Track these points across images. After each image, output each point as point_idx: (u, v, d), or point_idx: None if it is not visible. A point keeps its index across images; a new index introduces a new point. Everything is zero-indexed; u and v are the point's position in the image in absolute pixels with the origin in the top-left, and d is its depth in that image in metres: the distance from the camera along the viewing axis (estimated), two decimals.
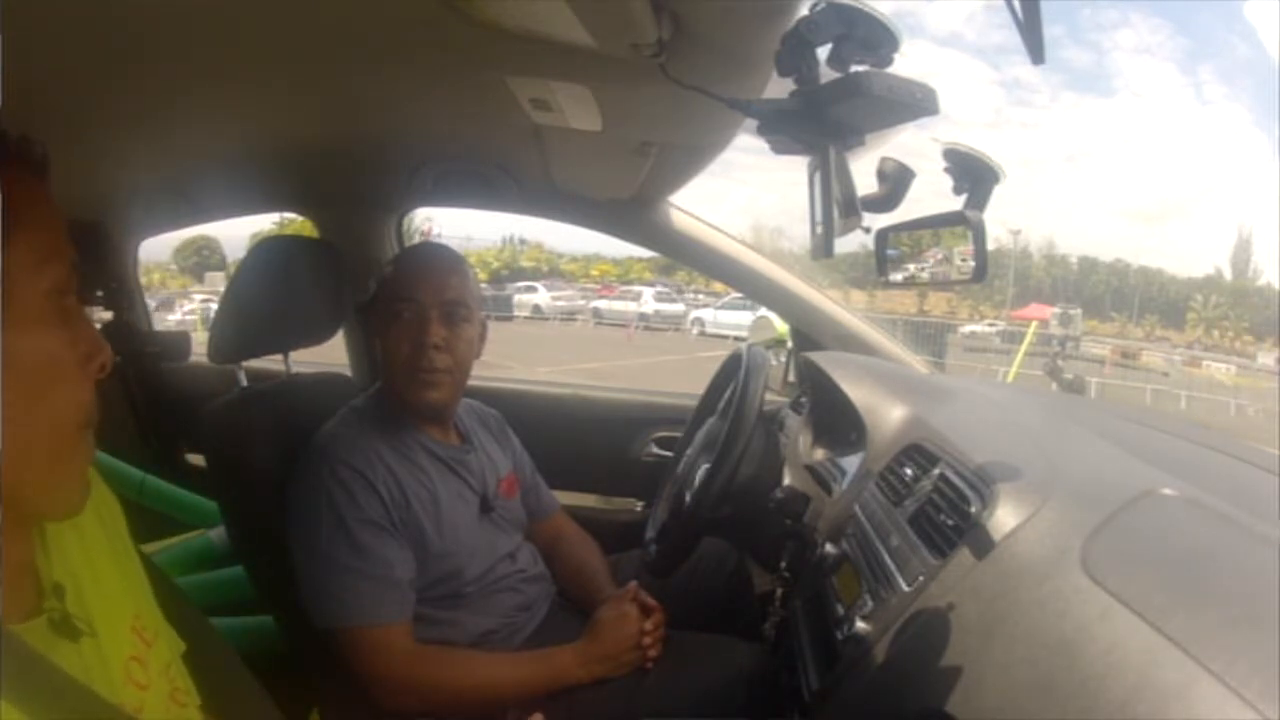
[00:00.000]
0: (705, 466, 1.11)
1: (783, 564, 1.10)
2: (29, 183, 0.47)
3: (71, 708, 0.42)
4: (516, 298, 22.64)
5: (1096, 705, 0.48)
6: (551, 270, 31.58)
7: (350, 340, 1.75)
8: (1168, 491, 0.70)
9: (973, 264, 0.78)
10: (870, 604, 0.82)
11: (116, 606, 0.52)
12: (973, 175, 0.74)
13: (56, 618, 0.46)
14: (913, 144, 0.84)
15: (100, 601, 0.51)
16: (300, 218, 1.81)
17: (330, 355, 1.66)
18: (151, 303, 2.24)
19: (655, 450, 1.73)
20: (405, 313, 1.06)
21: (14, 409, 0.42)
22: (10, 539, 0.45)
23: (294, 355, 1.30)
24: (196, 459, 1.87)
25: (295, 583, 1.00)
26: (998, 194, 0.74)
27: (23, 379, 0.44)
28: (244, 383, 1.20)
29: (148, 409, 1.90)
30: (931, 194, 0.79)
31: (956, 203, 0.75)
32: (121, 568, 0.55)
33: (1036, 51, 0.53)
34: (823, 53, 0.60)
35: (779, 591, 1.11)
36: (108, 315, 1.83)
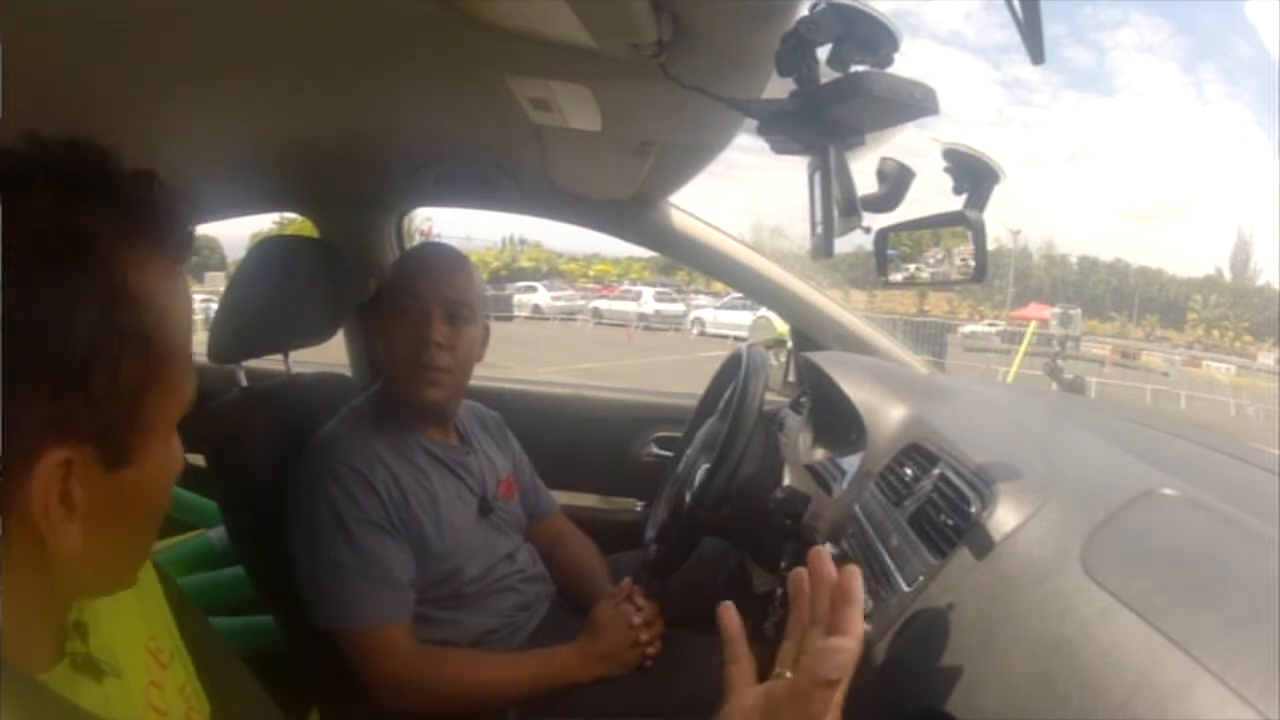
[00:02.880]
0: (705, 466, 1.11)
1: (783, 564, 1.10)
2: (184, 281, 0.43)
3: None
4: (516, 298, 22.66)
5: (1096, 705, 0.48)
6: (551, 270, 31.60)
7: (350, 340, 1.75)
8: (1168, 491, 0.70)
9: (973, 264, 0.78)
10: (870, 604, 0.81)
11: (132, 631, 0.51)
12: (973, 175, 0.74)
13: (79, 659, 0.45)
14: (913, 144, 0.84)
15: (118, 630, 0.49)
16: (300, 218, 1.80)
17: (330, 355, 1.66)
18: None
19: (655, 450, 1.73)
20: (408, 309, 1.06)
21: (119, 538, 0.42)
22: (50, 598, 0.44)
23: (294, 355, 1.30)
24: (196, 459, 1.87)
25: (295, 583, 1.00)
26: (998, 194, 0.74)
27: (139, 513, 0.43)
28: (244, 383, 1.20)
29: None
30: (931, 194, 0.79)
31: (956, 203, 0.75)
32: (138, 586, 0.54)
33: (1036, 51, 0.53)
34: (823, 53, 0.60)
35: (779, 591, 1.11)
36: None
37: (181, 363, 0.42)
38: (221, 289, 1.81)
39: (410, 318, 1.05)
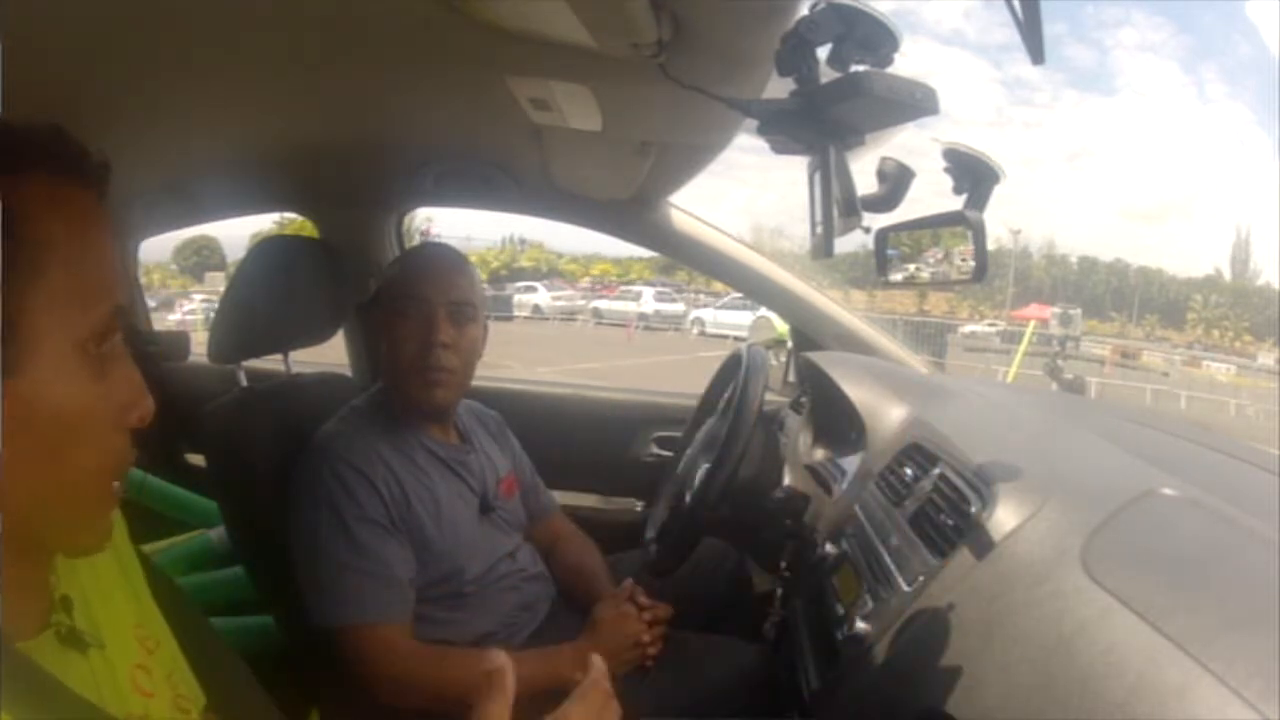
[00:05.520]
0: (705, 466, 1.11)
1: (783, 564, 1.10)
2: (81, 203, 0.41)
3: None
4: (516, 298, 22.65)
5: (1096, 705, 0.48)
6: (551, 270, 31.58)
7: (350, 340, 1.75)
8: (1168, 491, 0.70)
9: (973, 264, 0.78)
10: (870, 604, 0.82)
11: (119, 614, 0.52)
12: (973, 175, 0.74)
13: (64, 631, 0.45)
14: (913, 144, 0.84)
15: (105, 610, 0.50)
16: (300, 218, 1.81)
17: (331, 355, 1.66)
18: (151, 303, 2.23)
19: (655, 450, 1.73)
20: (412, 311, 1.06)
21: (32, 461, 0.40)
22: (27, 564, 0.44)
23: (294, 355, 1.30)
24: (196, 459, 1.87)
25: (295, 582, 1.00)
26: (998, 193, 0.74)
27: (44, 433, 0.40)
28: (244, 383, 1.20)
29: None
30: (931, 194, 0.79)
31: (956, 203, 0.75)
32: (126, 574, 0.55)
33: (1036, 51, 0.53)
34: (823, 53, 0.60)
35: (779, 591, 1.11)
36: None
37: (76, 279, 0.41)
38: (221, 289, 1.81)
39: (415, 319, 1.05)
